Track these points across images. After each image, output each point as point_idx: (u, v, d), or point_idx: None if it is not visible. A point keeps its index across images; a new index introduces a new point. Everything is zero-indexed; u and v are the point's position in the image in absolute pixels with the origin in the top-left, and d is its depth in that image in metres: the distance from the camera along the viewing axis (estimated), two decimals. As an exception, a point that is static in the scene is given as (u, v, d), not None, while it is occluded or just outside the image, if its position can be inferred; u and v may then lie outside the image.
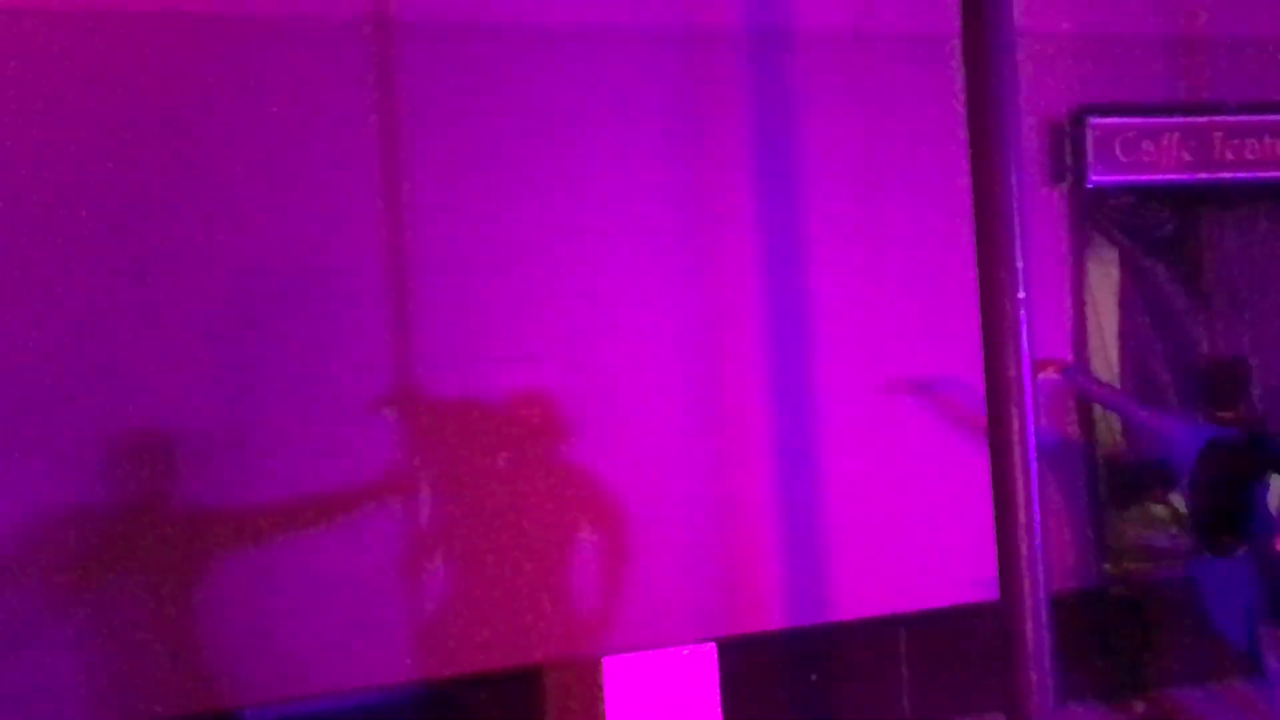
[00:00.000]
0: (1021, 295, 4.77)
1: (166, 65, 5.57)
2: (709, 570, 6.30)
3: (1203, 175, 7.15)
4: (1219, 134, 7.16)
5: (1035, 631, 4.79)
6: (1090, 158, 6.95)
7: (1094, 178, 6.96)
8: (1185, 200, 7.24)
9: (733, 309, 6.35)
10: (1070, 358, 6.81)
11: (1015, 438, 4.73)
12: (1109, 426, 7.12)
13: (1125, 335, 7.21)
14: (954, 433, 6.55)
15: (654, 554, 6.19)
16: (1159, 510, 7.21)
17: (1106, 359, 7.15)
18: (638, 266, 6.21)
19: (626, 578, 6.17)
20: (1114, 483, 7.13)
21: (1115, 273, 7.20)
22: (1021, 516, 4.75)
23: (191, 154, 5.59)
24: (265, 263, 5.68)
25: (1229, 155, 7.18)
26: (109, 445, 5.44)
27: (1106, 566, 7.08)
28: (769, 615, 6.39)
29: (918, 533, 6.59)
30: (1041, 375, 5.65)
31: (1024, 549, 4.78)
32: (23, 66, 5.40)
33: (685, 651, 6.08)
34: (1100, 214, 7.12)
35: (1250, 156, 7.22)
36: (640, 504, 6.17)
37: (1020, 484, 4.74)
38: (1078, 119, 6.94)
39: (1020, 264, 4.78)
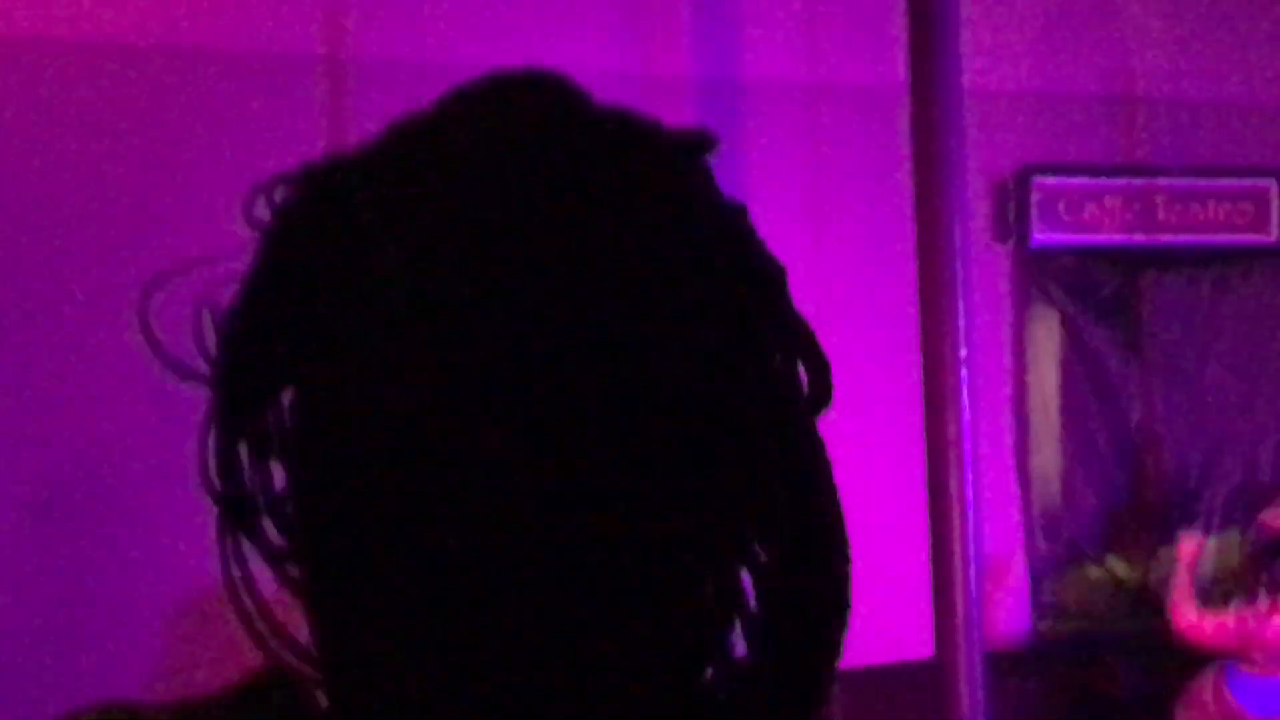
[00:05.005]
0: (963, 353, 4.73)
1: (116, 97, 5.50)
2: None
3: (1145, 238, 7.15)
4: (1161, 197, 7.17)
5: (970, 691, 4.76)
6: (1034, 217, 6.94)
7: (1037, 238, 6.95)
8: (1127, 263, 7.24)
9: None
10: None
11: (954, 496, 4.70)
12: (1045, 484, 7.11)
13: (1066, 395, 7.20)
14: (893, 485, 6.53)
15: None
16: (1096, 572, 7.19)
17: (1047, 419, 7.14)
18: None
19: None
20: (1052, 541, 7.11)
21: (1057, 333, 7.19)
22: (959, 576, 4.72)
23: (135, 184, 5.51)
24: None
25: (1171, 219, 7.19)
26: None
27: (1043, 626, 7.06)
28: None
29: (855, 588, 6.55)
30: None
31: (960, 607, 4.75)
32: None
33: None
34: (1043, 274, 7.11)
35: (1192, 220, 7.23)
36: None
37: (958, 543, 4.71)
38: (1022, 178, 6.94)
39: (962, 321, 4.74)
